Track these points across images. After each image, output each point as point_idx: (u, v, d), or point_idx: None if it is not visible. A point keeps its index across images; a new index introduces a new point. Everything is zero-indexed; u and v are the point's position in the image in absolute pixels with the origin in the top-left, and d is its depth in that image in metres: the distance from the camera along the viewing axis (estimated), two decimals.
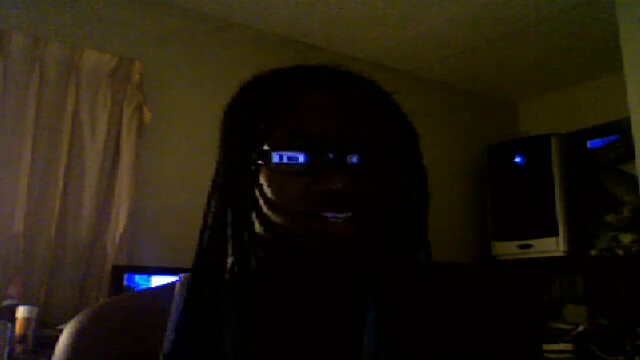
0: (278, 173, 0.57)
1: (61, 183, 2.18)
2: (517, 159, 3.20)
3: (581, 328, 2.56)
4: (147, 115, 2.40)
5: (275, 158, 0.57)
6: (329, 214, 0.56)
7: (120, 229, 2.27)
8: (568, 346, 2.49)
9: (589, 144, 3.19)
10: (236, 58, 2.74)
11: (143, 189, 2.38)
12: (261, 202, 0.58)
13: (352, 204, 0.56)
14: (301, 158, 0.57)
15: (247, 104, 0.62)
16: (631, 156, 2.37)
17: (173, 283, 0.64)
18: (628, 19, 2.34)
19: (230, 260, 0.60)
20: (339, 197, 0.55)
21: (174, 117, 2.56)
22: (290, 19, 2.77)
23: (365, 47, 3.04)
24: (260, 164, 0.58)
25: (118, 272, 2.13)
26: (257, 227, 0.59)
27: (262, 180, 0.58)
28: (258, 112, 0.60)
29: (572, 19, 2.75)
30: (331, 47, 3.01)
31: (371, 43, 3.01)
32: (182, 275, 0.64)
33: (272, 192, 0.57)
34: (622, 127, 2.82)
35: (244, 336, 0.58)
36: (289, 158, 0.57)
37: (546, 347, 2.51)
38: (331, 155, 0.56)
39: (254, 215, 0.59)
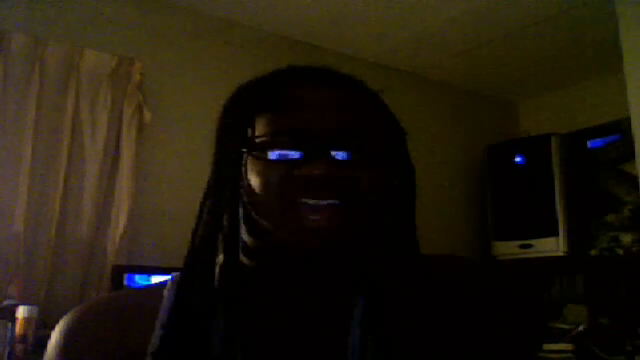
0: (263, 164, 0.59)
1: (61, 183, 2.18)
2: (517, 159, 3.20)
3: (581, 328, 2.56)
4: (147, 115, 2.40)
5: (262, 152, 0.59)
6: (310, 201, 0.57)
7: (120, 229, 2.26)
8: (568, 346, 2.49)
9: (589, 144, 3.19)
10: (236, 58, 2.74)
11: (143, 189, 2.38)
12: (247, 196, 0.60)
13: (334, 192, 0.57)
14: (290, 153, 0.59)
15: (237, 104, 0.64)
16: (631, 156, 2.37)
17: (164, 282, 0.65)
18: (628, 19, 2.34)
19: (220, 258, 0.61)
20: (320, 183, 0.56)
21: (174, 117, 2.56)
22: (290, 19, 2.77)
23: (365, 47, 3.04)
24: (248, 159, 0.60)
25: (118, 272, 2.13)
26: (244, 224, 0.61)
27: (249, 174, 0.60)
28: (248, 110, 0.62)
29: (572, 19, 2.75)
30: (331, 47, 3.00)
31: (371, 43, 3.01)
32: (174, 274, 0.65)
33: (256, 182, 0.59)
34: (622, 127, 2.82)
35: (232, 334, 0.58)
36: (278, 154, 0.59)
37: (546, 347, 2.51)
38: (316, 146, 0.58)
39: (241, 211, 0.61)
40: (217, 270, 0.61)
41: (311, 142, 0.58)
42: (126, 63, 2.40)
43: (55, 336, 0.62)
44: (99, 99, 2.33)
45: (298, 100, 0.61)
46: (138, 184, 2.35)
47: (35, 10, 2.30)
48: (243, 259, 0.62)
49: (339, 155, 0.58)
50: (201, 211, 0.62)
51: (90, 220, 2.24)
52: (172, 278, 0.65)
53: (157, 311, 0.61)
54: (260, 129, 0.60)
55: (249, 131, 0.61)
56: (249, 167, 0.60)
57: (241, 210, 0.61)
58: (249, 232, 0.62)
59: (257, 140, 0.60)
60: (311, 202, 0.57)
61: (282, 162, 0.58)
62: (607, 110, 3.08)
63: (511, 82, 3.52)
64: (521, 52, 3.11)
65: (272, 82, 0.64)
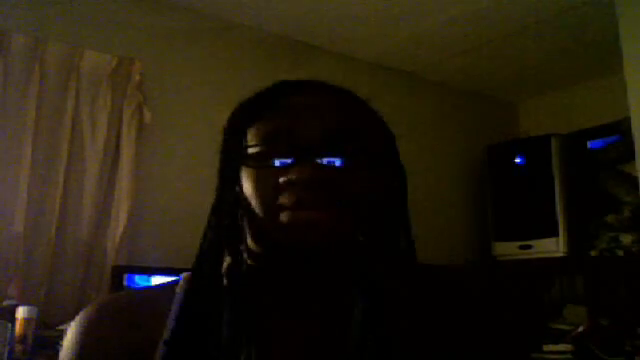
0: (254, 171, 0.62)
1: (61, 183, 2.18)
2: (517, 159, 3.20)
3: (581, 328, 2.55)
4: (147, 115, 2.40)
5: (253, 160, 0.62)
6: (297, 204, 0.59)
7: (120, 229, 2.26)
8: (568, 347, 2.49)
9: (589, 144, 3.19)
10: (236, 58, 2.74)
11: (143, 189, 2.38)
12: (244, 201, 0.62)
13: (321, 194, 0.58)
14: (279, 159, 0.61)
15: (234, 116, 0.68)
16: (631, 156, 2.37)
17: (175, 281, 0.67)
18: (628, 19, 2.34)
19: (227, 260, 0.63)
20: (310, 186, 0.58)
21: (174, 117, 2.56)
22: (290, 19, 2.77)
23: (365, 47, 3.04)
24: (242, 167, 0.63)
25: (118, 272, 2.13)
26: (248, 228, 0.63)
27: (243, 181, 0.63)
28: (241, 121, 0.65)
29: (572, 19, 2.75)
30: (331, 47, 3.00)
31: (371, 43, 3.01)
32: (184, 274, 0.67)
33: (248, 189, 0.62)
34: (622, 127, 2.82)
35: (235, 334, 0.60)
36: (268, 160, 0.61)
37: (546, 348, 2.51)
38: (303, 151, 0.60)
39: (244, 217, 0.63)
40: (223, 271, 0.63)
41: (298, 147, 0.60)
42: (126, 63, 2.40)
43: (73, 327, 0.64)
44: (99, 99, 2.33)
45: (286, 108, 0.63)
46: (138, 184, 2.35)
47: (35, 10, 2.30)
48: (248, 261, 0.64)
49: (328, 159, 0.60)
50: (210, 216, 0.65)
51: (90, 220, 2.24)
52: (181, 278, 0.67)
53: (170, 306, 0.64)
54: (251, 138, 0.63)
55: (243, 141, 0.64)
56: (242, 174, 0.63)
57: (245, 215, 0.63)
58: (251, 235, 0.64)
59: (248, 149, 0.63)
60: (297, 204, 0.59)
61: (271, 168, 0.61)
62: (607, 110, 3.08)
63: (511, 82, 3.52)
64: (521, 52, 3.11)
65: (264, 94, 0.67)
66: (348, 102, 0.67)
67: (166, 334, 0.61)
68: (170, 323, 0.62)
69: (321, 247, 0.59)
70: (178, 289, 0.65)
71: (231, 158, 0.64)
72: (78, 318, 0.65)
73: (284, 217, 0.59)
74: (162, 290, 0.67)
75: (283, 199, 0.59)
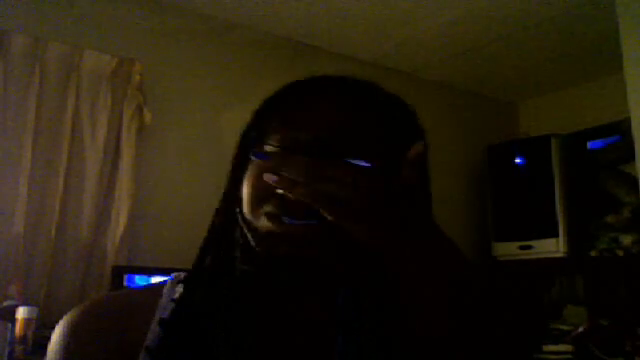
0: (275, 158, 0.58)
1: (61, 183, 2.18)
2: (517, 160, 3.20)
3: (581, 329, 2.55)
4: (147, 116, 2.40)
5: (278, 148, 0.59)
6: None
7: (120, 229, 2.26)
8: (568, 347, 2.49)
9: (589, 145, 3.19)
10: (236, 58, 2.74)
11: (143, 189, 2.38)
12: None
13: (354, 196, 0.55)
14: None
15: (257, 112, 0.65)
16: (631, 157, 2.37)
17: (164, 282, 0.66)
18: (628, 19, 2.34)
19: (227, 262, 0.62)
20: (342, 186, 0.55)
21: (174, 118, 2.56)
22: (290, 19, 2.77)
23: (365, 47, 3.04)
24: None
25: (118, 272, 2.13)
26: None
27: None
28: (262, 118, 0.63)
29: (572, 19, 2.75)
30: (331, 47, 3.00)
31: (371, 43, 3.01)
32: (174, 274, 0.66)
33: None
34: (622, 128, 2.82)
35: (225, 337, 0.58)
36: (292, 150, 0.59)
37: (546, 348, 2.51)
38: (331, 147, 0.57)
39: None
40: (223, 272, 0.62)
41: (320, 140, 0.58)
42: (126, 64, 2.40)
43: (57, 332, 0.63)
44: (99, 100, 2.33)
45: (313, 104, 0.62)
46: (138, 184, 2.35)
47: (35, 10, 2.30)
48: (243, 264, 0.62)
49: (350, 159, 0.57)
50: (215, 215, 0.64)
51: (90, 220, 2.24)
52: (171, 277, 0.66)
53: (155, 309, 0.62)
54: (271, 138, 0.60)
55: (258, 140, 0.61)
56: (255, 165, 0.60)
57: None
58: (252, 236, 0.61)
59: (264, 147, 0.60)
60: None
61: (290, 156, 0.58)
62: (607, 111, 3.08)
63: (511, 82, 3.52)
64: (521, 52, 3.11)
65: (287, 92, 0.64)
66: (367, 103, 0.65)
67: (149, 339, 0.59)
68: (154, 327, 0.60)
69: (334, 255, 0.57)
70: (165, 290, 0.64)
71: (243, 156, 0.61)
72: (62, 322, 0.63)
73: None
74: (151, 290, 0.65)
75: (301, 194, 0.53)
